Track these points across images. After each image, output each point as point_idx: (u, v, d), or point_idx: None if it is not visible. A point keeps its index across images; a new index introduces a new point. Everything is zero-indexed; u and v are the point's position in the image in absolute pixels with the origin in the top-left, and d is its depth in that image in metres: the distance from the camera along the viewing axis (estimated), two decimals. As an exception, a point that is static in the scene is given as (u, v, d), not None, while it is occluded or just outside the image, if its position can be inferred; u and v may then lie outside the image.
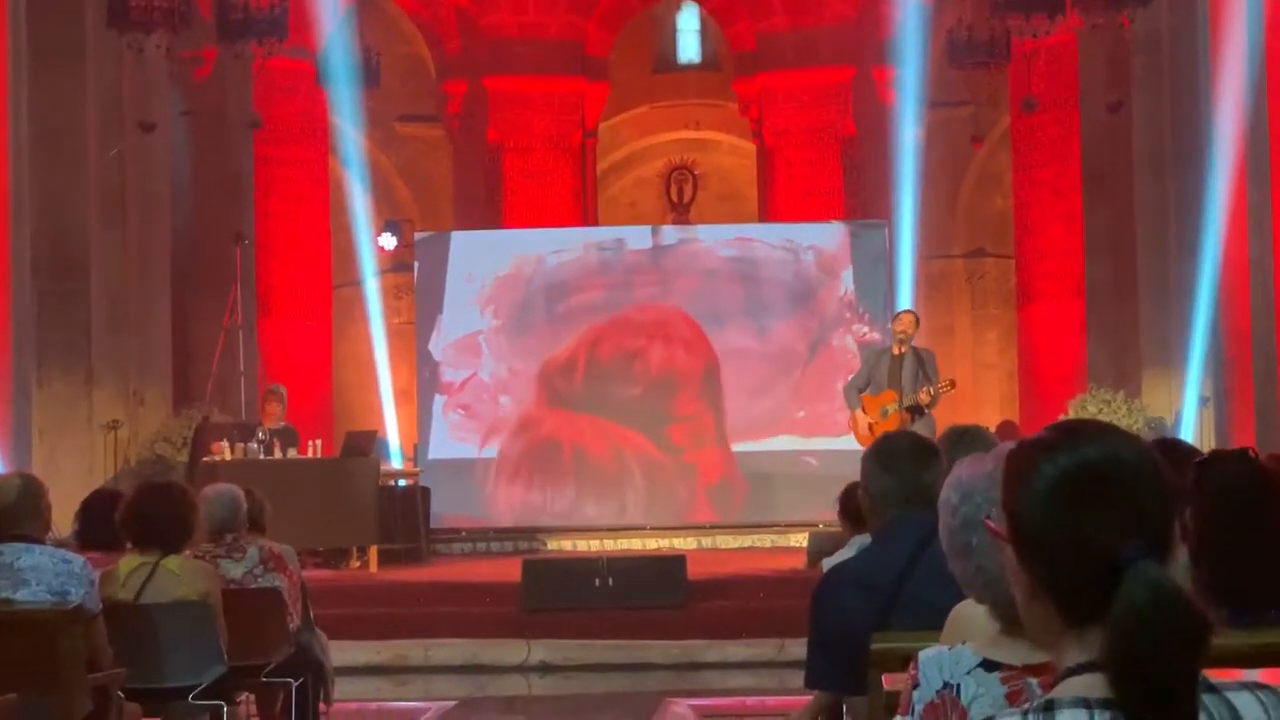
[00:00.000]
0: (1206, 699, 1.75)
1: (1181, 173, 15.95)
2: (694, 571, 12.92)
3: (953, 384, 13.72)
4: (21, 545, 6.48)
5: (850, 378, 14.38)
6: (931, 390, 13.28)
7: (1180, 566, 1.85)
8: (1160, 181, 16.59)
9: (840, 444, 16.76)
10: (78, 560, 6.59)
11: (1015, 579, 1.91)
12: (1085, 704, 1.76)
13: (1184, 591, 1.74)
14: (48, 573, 6.44)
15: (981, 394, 21.33)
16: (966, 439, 4.94)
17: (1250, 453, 4.22)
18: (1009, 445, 2.06)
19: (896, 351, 13.61)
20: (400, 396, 19.30)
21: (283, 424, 15.16)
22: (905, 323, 13.79)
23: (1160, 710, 1.71)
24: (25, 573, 6.43)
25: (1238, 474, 3.96)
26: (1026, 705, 1.80)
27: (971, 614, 2.80)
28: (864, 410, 13.62)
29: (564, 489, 17.86)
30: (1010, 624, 2.47)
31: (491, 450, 17.95)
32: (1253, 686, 1.81)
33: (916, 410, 13.31)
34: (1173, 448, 4.70)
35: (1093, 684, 1.76)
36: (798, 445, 17.83)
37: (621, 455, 17.85)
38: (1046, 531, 1.85)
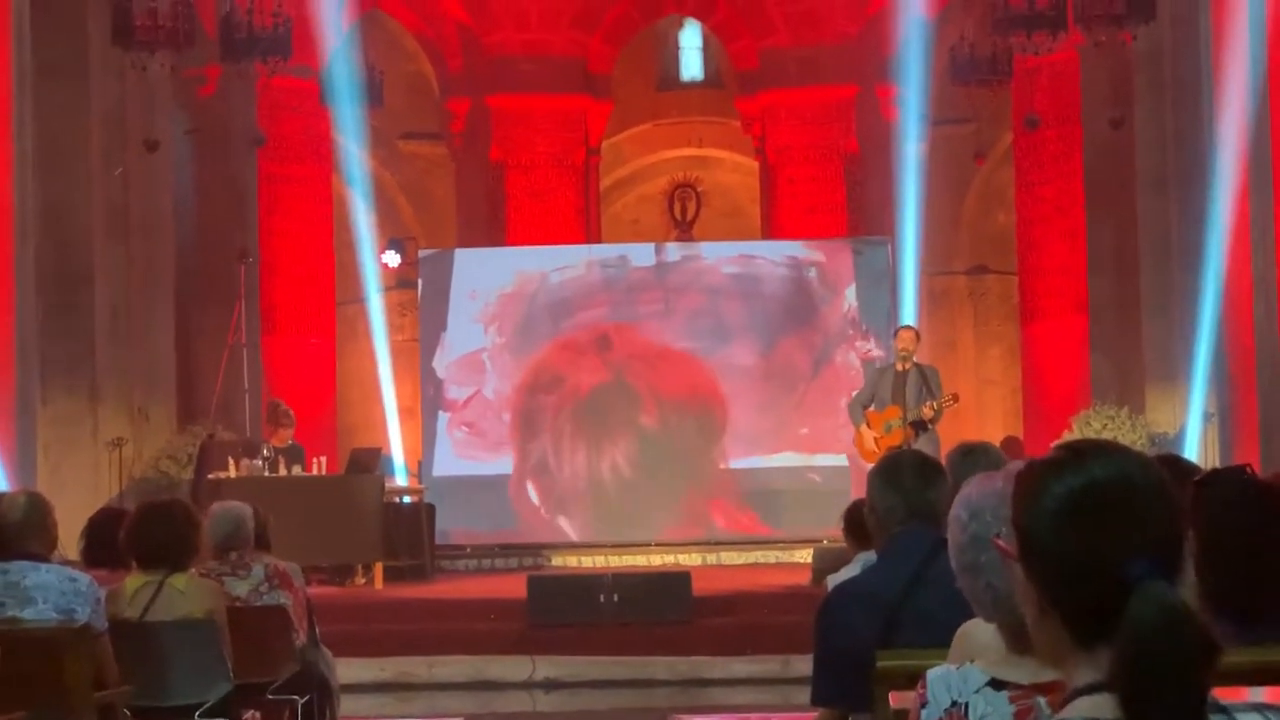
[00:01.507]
0: (1215, 719, 1.76)
1: (1184, 188, 15.96)
2: (699, 588, 12.93)
3: (956, 398, 13.75)
4: (28, 563, 6.49)
5: (855, 394, 14.42)
6: (935, 405, 13.30)
7: (1189, 585, 1.86)
8: (1163, 197, 16.60)
9: (843, 460, 16.81)
10: (84, 578, 6.60)
11: (1024, 597, 1.92)
12: (1095, 724, 1.77)
13: (1193, 610, 1.75)
14: (54, 591, 6.44)
15: (985, 410, 21.34)
16: (974, 456, 4.96)
17: (1248, 470, 4.22)
18: (1019, 464, 2.07)
19: (900, 368, 13.64)
20: (404, 413, 19.31)
21: (290, 442, 15.18)
22: (906, 339, 13.83)
23: (1169, 730, 1.71)
24: (32, 591, 6.43)
25: (1236, 492, 3.96)
26: (1037, 725, 1.81)
27: (978, 632, 2.81)
28: (868, 425, 13.64)
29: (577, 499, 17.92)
30: (1018, 642, 2.48)
31: (500, 466, 17.99)
32: (1261, 708, 1.82)
33: (920, 425, 13.34)
34: (1173, 464, 4.70)
35: (1102, 704, 1.77)
36: (801, 462, 17.85)
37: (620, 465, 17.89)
38: (1055, 550, 1.86)
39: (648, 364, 18.00)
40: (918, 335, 14.10)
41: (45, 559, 6.61)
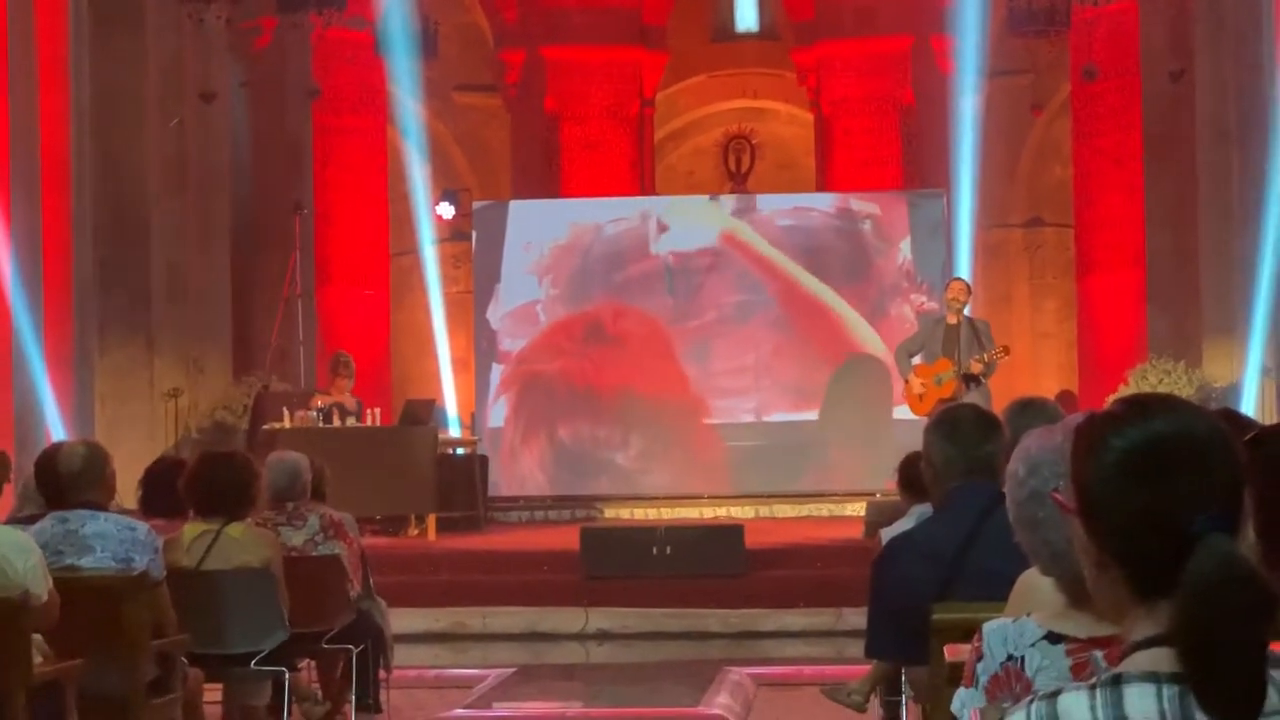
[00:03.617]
0: (1276, 674, 1.75)
1: (1244, 140, 15.81)
2: (752, 541, 12.93)
3: (1006, 350, 13.65)
4: (87, 512, 6.55)
5: (900, 343, 14.32)
6: (984, 358, 13.23)
7: (1249, 542, 1.85)
8: (1223, 149, 16.44)
9: (896, 414, 16.76)
10: (142, 527, 6.66)
11: (1083, 552, 1.91)
12: (1154, 678, 1.76)
13: (1254, 565, 1.74)
14: (113, 540, 6.50)
15: (1040, 364, 21.23)
16: (1032, 410, 4.94)
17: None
18: (1077, 418, 2.05)
19: (951, 320, 13.58)
20: (458, 365, 19.36)
21: (348, 395, 15.18)
22: (957, 290, 13.77)
23: (1229, 684, 1.70)
24: (91, 539, 6.49)
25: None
26: (1094, 679, 1.80)
27: (1040, 581, 2.80)
28: (916, 376, 13.60)
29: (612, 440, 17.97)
30: (1076, 597, 2.47)
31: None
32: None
33: (972, 379, 13.27)
34: (1230, 420, 4.67)
35: (1161, 658, 1.76)
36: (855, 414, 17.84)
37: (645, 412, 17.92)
38: (1115, 505, 1.85)
39: (624, 366, 17.95)
40: (969, 287, 14.04)
41: (104, 508, 6.66)
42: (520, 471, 17.95)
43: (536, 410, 17.99)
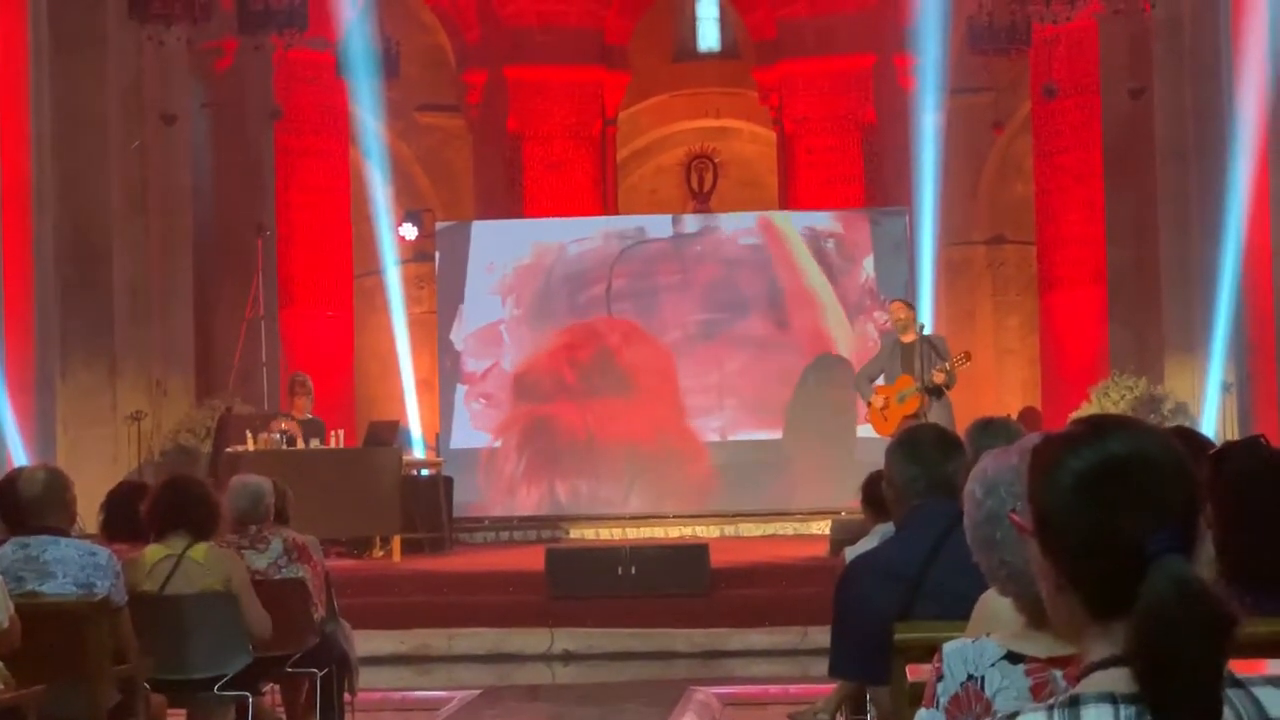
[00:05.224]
0: (1231, 694, 1.75)
1: (1203, 158, 15.90)
2: (717, 560, 12.94)
3: (968, 356, 13.68)
4: (48, 538, 6.51)
5: (861, 368, 14.39)
6: (946, 367, 13.26)
7: (1207, 559, 1.86)
8: (1182, 167, 16.53)
9: (861, 432, 16.80)
10: (103, 552, 6.62)
11: (1040, 573, 1.92)
12: (1111, 699, 1.76)
13: (1209, 586, 1.74)
14: (74, 565, 6.47)
15: (1003, 380, 21.30)
16: (993, 429, 4.95)
17: (1261, 440, 4.23)
18: (1034, 438, 2.06)
19: (908, 339, 13.64)
20: (422, 386, 19.33)
21: (309, 415, 15.18)
22: (896, 310, 13.93)
23: (1186, 705, 1.71)
24: (52, 565, 6.46)
25: (1251, 464, 3.97)
26: (1052, 700, 1.81)
27: (1000, 601, 2.81)
28: (879, 395, 13.65)
29: (581, 478, 17.92)
30: (1035, 617, 2.48)
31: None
32: (1278, 681, 1.81)
33: (934, 391, 13.31)
34: (1187, 438, 4.70)
35: (1118, 679, 1.77)
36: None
37: (633, 443, 17.89)
38: (1071, 526, 1.85)
39: (631, 419, 17.91)
40: (908, 305, 14.14)
41: (65, 533, 6.63)
42: (515, 506, 17.88)
43: (539, 457, 17.91)
